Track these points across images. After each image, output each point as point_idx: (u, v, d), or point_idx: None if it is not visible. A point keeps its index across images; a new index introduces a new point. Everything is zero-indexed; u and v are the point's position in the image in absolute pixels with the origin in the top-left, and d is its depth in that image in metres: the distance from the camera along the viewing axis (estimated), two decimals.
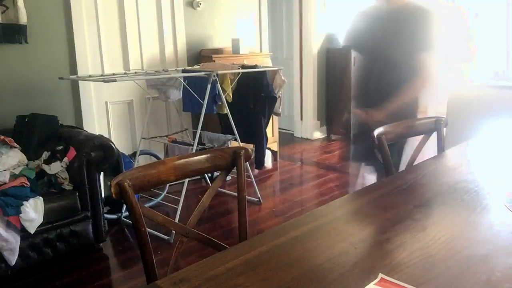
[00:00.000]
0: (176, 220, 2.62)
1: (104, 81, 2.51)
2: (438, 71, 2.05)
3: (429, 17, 1.93)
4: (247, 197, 1.35)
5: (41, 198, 2.28)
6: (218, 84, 2.98)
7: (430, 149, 1.92)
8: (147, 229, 1.08)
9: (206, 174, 3.62)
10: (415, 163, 1.70)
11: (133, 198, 1.06)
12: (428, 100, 2.20)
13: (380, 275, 0.80)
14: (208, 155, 1.30)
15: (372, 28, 2.05)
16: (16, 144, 2.51)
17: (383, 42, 2.00)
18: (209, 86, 2.86)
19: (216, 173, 3.57)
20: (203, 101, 2.86)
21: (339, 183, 3.74)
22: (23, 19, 2.80)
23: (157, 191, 3.36)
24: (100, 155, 2.53)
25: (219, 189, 3.55)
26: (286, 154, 4.75)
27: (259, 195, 3.23)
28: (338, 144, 5.21)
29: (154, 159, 3.45)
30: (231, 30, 4.28)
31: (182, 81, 3.06)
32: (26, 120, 2.73)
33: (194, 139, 2.98)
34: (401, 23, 1.94)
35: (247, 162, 1.41)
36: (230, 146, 3.36)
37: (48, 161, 2.52)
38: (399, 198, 1.29)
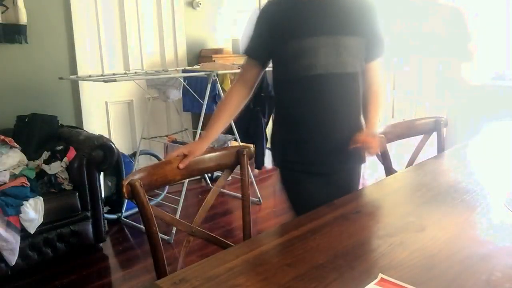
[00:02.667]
0: None
1: (104, 81, 2.51)
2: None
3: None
4: None
5: (41, 198, 2.28)
6: (218, 84, 2.98)
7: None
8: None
9: (206, 174, 3.62)
10: (415, 163, 1.70)
11: (144, 198, 1.07)
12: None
13: (380, 275, 0.80)
14: (212, 154, 1.31)
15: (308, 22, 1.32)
16: (16, 144, 2.51)
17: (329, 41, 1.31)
18: (209, 86, 2.86)
19: (215, 173, 3.57)
20: (203, 101, 2.86)
21: None
22: (23, 19, 2.80)
23: (157, 191, 3.36)
24: (100, 155, 2.53)
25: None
26: None
27: (259, 195, 3.22)
28: None
29: (154, 159, 3.45)
30: (231, 30, 4.28)
31: (182, 81, 3.06)
32: (26, 120, 2.73)
33: (194, 139, 2.98)
34: (354, 18, 1.35)
35: None
36: (230, 146, 3.35)
37: (48, 161, 2.51)
38: (399, 198, 1.29)
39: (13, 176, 2.34)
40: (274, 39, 1.33)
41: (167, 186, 3.35)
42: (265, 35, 1.35)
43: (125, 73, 3.10)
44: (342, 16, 1.33)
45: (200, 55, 4.01)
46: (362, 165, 1.51)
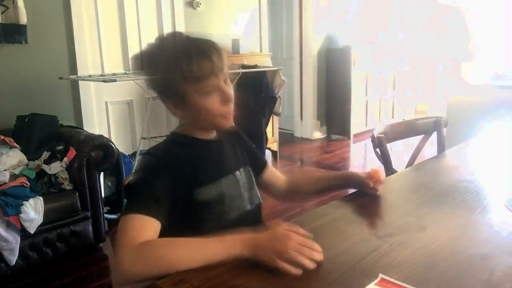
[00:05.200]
0: None
1: (104, 81, 2.51)
2: None
3: None
4: None
5: (41, 198, 2.28)
6: None
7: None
8: None
9: None
10: (415, 163, 1.70)
11: None
12: None
13: (380, 275, 0.80)
14: None
15: None
16: (16, 144, 2.51)
17: None
18: None
19: None
20: None
21: None
22: (23, 19, 2.79)
23: None
24: (100, 155, 2.52)
25: None
26: (286, 154, 4.75)
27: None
28: (338, 144, 5.21)
29: None
30: (231, 30, 4.28)
31: None
32: (26, 120, 2.73)
33: None
34: None
35: None
36: None
37: (48, 161, 2.51)
38: (400, 198, 1.29)
39: (13, 176, 2.34)
40: (178, 192, 1.04)
41: None
42: (169, 188, 1.03)
43: (125, 73, 3.10)
44: (232, 152, 1.23)
45: None
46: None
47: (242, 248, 0.85)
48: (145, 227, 0.95)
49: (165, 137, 1.19)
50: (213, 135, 1.17)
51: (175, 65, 1.03)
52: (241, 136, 1.32)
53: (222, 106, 1.08)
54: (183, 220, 1.06)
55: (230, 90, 1.09)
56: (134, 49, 3.65)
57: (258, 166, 1.34)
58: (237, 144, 1.27)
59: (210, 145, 1.16)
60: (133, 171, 1.07)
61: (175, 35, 1.13)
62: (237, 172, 1.19)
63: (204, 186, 1.08)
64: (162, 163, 1.05)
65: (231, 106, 1.10)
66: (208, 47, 1.10)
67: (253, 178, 1.26)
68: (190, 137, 1.13)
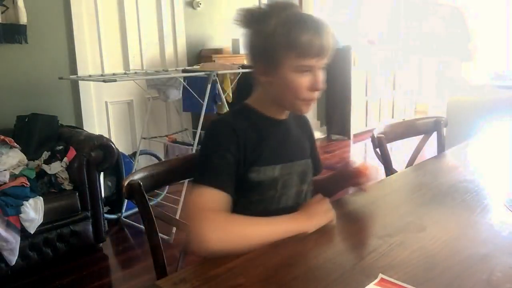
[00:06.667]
0: None
1: (104, 81, 2.51)
2: None
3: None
4: None
5: (41, 198, 2.28)
6: (218, 84, 2.98)
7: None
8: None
9: None
10: (415, 163, 1.69)
11: (144, 198, 1.07)
12: None
13: (380, 275, 0.80)
14: None
15: None
16: (16, 144, 2.51)
17: None
18: (209, 86, 2.86)
19: None
20: (203, 101, 2.86)
21: None
22: (23, 19, 2.79)
23: (157, 191, 3.35)
24: (100, 155, 2.53)
25: None
26: None
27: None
28: (338, 144, 5.21)
29: (154, 159, 3.45)
30: (231, 30, 4.28)
31: (182, 81, 3.06)
32: (26, 120, 2.73)
33: (194, 139, 2.98)
34: None
35: None
36: None
37: (48, 161, 2.51)
38: (399, 198, 1.29)
39: (13, 176, 2.34)
40: (240, 166, 1.02)
41: (167, 186, 3.35)
42: (233, 161, 1.01)
43: (125, 73, 3.10)
44: (299, 140, 1.18)
45: (200, 55, 4.00)
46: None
47: (304, 222, 0.97)
48: (220, 201, 0.96)
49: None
50: (282, 115, 1.11)
51: (285, 31, 0.96)
52: (311, 130, 1.27)
53: (309, 91, 1.02)
54: (236, 198, 1.03)
55: (323, 79, 1.04)
56: (134, 49, 3.65)
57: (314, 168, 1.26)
58: (306, 135, 1.22)
59: (278, 125, 1.10)
60: (204, 136, 1.06)
61: (291, 4, 1.03)
62: (298, 162, 1.14)
63: (262, 166, 1.04)
64: (234, 134, 1.01)
65: (317, 94, 1.05)
66: (324, 26, 1.00)
67: (311, 174, 1.20)
68: (259, 113, 1.08)
